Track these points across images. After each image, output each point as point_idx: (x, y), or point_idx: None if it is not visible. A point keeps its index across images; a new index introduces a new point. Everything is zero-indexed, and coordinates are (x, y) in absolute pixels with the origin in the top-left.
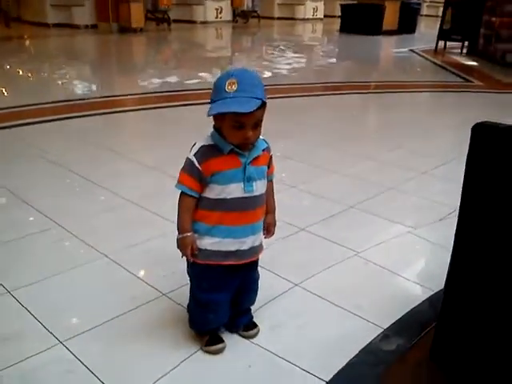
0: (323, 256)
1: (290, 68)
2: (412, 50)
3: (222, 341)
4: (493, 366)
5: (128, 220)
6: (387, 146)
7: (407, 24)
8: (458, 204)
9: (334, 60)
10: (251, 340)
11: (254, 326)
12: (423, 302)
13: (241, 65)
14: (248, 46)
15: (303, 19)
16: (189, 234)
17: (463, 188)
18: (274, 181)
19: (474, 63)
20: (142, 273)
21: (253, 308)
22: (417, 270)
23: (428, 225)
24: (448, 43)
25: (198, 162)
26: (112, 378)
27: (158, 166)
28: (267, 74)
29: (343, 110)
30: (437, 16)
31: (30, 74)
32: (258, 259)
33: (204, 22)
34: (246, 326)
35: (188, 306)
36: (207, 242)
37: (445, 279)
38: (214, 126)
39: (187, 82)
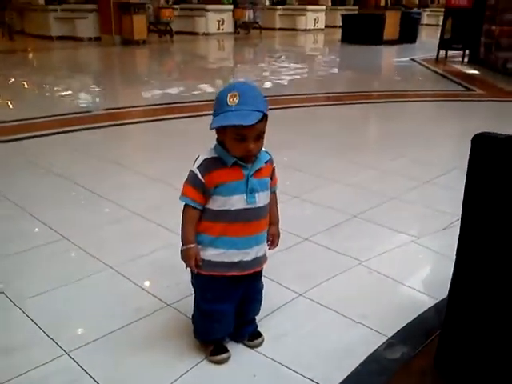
0: (327, 265)
1: (292, 78)
2: (413, 60)
3: (226, 350)
4: (497, 374)
5: (133, 232)
6: (389, 156)
7: (408, 33)
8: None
9: (335, 70)
10: (256, 349)
11: (259, 335)
12: (427, 310)
13: (243, 75)
14: (250, 57)
15: (304, 30)
16: (193, 246)
17: (464, 198)
18: (277, 191)
19: (476, 72)
20: (146, 284)
21: (257, 317)
22: (421, 278)
23: (431, 234)
24: (449, 52)
25: (201, 174)
26: None
27: (163, 178)
28: (269, 85)
29: (345, 120)
30: (437, 25)
31: (33, 87)
32: (262, 269)
33: (206, 34)
34: (250, 335)
35: (192, 316)
36: (211, 253)
37: (448, 287)
38: (217, 139)
39: (191, 93)
